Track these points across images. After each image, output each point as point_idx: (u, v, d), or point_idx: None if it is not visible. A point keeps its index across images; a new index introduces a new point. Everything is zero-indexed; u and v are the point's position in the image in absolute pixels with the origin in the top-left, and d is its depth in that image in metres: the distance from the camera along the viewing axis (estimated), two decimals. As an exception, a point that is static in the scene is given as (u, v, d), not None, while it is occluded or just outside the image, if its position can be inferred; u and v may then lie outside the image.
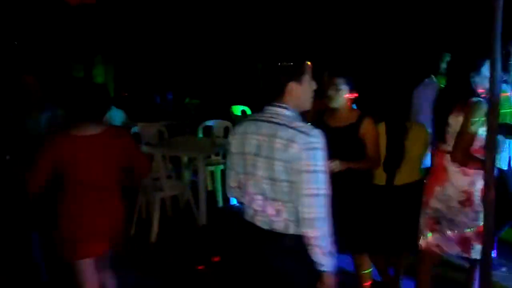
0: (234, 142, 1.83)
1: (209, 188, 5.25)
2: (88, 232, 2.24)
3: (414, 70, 4.60)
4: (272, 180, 1.70)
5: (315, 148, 1.63)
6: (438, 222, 2.51)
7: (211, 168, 5.14)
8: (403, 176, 2.78)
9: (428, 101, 2.76)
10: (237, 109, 8.44)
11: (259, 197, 1.76)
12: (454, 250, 2.51)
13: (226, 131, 5.97)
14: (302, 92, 1.76)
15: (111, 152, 2.25)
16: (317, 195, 1.63)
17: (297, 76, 1.74)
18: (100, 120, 2.27)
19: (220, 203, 5.01)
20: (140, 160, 2.43)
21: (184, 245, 4.05)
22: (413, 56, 5.82)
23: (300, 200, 1.64)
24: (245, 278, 1.90)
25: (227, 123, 5.92)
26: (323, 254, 1.66)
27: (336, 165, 2.48)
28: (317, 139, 1.65)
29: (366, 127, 2.68)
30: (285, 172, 1.66)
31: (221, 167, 5.10)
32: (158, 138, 5.63)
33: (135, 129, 5.54)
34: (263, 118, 1.75)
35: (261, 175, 1.72)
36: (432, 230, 2.54)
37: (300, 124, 1.69)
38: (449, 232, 2.47)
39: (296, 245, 1.70)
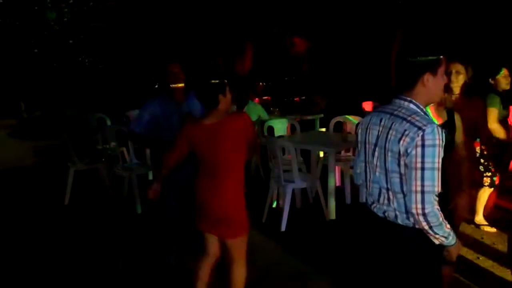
0: (359, 131, 1.93)
1: (338, 183, 5.25)
2: (201, 209, 2.53)
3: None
4: (385, 170, 1.77)
5: (428, 145, 1.62)
6: None
7: (340, 164, 5.13)
8: None
9: None
10: (368, 105, 8.25)
11: (376, 185, 1.85)
12: None
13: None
14: (435, 84, 1.75)
15: (230, 137, 2.44)
16: (427, 192, 1.64)
17: (433, 67, 1.72)
18: (216, 108, 2.44)
19: (349, 200, 4.97)
20: (253, 138, 2.62)
21: (313, 237, 4.14)
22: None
23: (410, 195, 1.67)
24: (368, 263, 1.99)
25: (358, 119, 5.83)
26: (441, 240, 1.71)
27: None
28: (433, 135, 1.62)
29: None
30: (396, 164, 1.71)
31: (351, 163, 5.05)
32: (290, 132, 5.82)
33: (270, 122, 5.81)
34: (387, 110, 1.80)
35: (377, 164, 1.81)
36: None
37: (418, 118, 1.67)
38: None
39: (407, 234, 1.76)
